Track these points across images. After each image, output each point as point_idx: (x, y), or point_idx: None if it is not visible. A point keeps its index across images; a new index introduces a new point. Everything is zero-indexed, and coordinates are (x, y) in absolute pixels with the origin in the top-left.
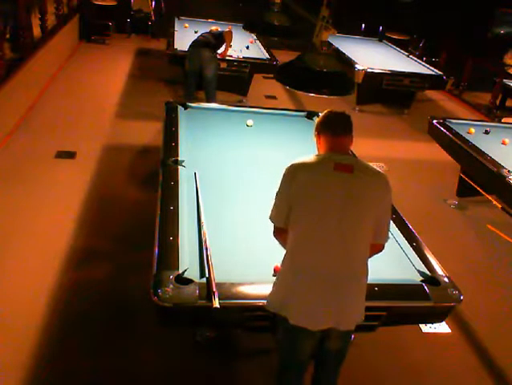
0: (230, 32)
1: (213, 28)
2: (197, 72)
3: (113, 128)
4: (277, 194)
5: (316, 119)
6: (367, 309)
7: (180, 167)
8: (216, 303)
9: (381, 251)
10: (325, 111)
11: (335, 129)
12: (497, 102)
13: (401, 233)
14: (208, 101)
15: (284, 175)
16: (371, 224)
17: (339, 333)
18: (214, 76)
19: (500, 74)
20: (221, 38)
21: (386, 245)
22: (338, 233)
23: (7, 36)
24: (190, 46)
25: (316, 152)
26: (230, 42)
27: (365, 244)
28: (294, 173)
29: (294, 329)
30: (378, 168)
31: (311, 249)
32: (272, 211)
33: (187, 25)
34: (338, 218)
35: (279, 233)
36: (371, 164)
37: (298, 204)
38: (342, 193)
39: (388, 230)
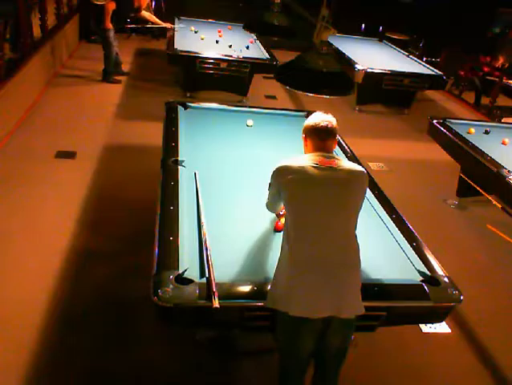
0: None
1: None
2: None
3: (113, 128)
4: (268, 192)
5: (304, 123)
6: (368, 309)
7: (180, 167)
8: (216, 303)
9: None
10: (312, 116)
11: (322, 134)
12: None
13: (401, 232)
14: None
15: (272, 176)
16: (356, 211)
17: (340, 323)
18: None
19: (500, 73)
20: None
21: (386, 244)
22: (331, 221)
23: (7, 36)
24: None
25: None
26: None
27: (354, 230)
28: (282, 172)
29: (294, 321)
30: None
31: (308, 240)
32: (267, 201)
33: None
34: (330, 208)
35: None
36: (371, 163)
37: (290, 201)
38: (330, 184)
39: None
